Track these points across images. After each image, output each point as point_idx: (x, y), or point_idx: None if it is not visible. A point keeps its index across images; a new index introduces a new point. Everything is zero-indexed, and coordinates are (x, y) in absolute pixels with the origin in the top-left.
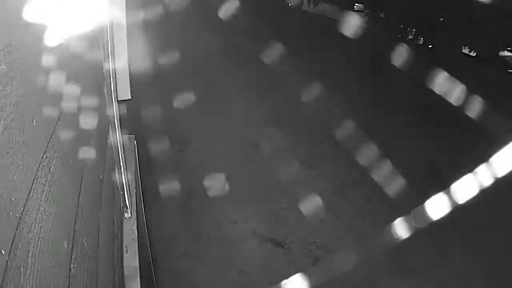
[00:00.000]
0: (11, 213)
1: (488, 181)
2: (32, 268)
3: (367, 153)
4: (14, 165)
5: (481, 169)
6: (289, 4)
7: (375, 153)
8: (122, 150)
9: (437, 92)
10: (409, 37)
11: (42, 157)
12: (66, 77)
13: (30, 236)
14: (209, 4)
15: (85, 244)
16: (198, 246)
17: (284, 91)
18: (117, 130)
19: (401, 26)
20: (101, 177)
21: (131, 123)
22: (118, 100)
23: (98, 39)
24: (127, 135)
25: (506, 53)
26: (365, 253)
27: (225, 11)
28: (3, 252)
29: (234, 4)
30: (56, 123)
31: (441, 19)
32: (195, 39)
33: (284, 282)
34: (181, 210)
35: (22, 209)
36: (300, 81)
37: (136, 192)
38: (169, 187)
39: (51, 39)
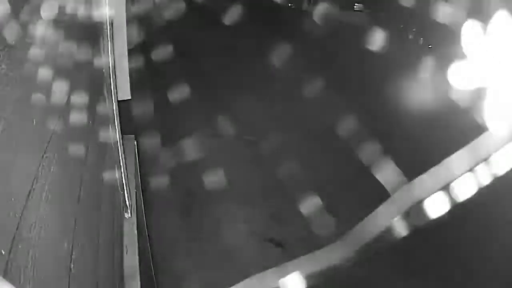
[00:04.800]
0: (11, 213)
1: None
2: (32, 268)
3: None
4: (14, 165)
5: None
6: (289, 4)
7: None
8: (122, 150)
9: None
10: (409, 37)
11: (42, 157)
12: (66, 77)
13: (30, 236)
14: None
15: (85, 244)
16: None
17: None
18: (117, 130)
19: (401, 26)
20: (101, 177)
21: None
22: (118, 100)
23: (98, 39)
24: (127, 135)
25: None
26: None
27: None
28: (3, 252)
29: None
30: (56, 123)
31: None
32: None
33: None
34: None
35: (22, 209)
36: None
37: (136, 192)
38: None
39: (51, 39)
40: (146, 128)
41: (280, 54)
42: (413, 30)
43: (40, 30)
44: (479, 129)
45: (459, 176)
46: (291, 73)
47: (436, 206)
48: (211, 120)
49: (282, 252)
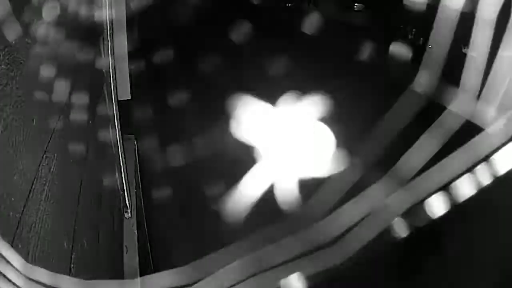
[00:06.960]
0: (11, 213)
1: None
2: None
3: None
4: (14, 165)
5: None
6: (288, 4)
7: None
8: (122, 150)
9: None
10: (409, 37)
11: (42, 157)
12: (66, 77)
13: (30, 236)
14: None
15: (85, 244)
16: None
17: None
18: (117, 130)
19: (401, 26)
20: (101, 177)
21: None
22: (118, 100)
23: (98, 39)
24: (127, 135)
25: None
26: None
27: None
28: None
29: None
30: (56, 123)
31: None
32: None
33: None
34: None
35: (22, 209)
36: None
37: (136, 192)
38: None
39: (51, 39)
40: (146, 128)
41: (280, 55)
42: (413, 30)
43: (41, 30)
44: (477, 129)
45: (459, 176)
46: (292, 73)
47: (436, 206)
48: (211, 121)
49: (282, 252)
